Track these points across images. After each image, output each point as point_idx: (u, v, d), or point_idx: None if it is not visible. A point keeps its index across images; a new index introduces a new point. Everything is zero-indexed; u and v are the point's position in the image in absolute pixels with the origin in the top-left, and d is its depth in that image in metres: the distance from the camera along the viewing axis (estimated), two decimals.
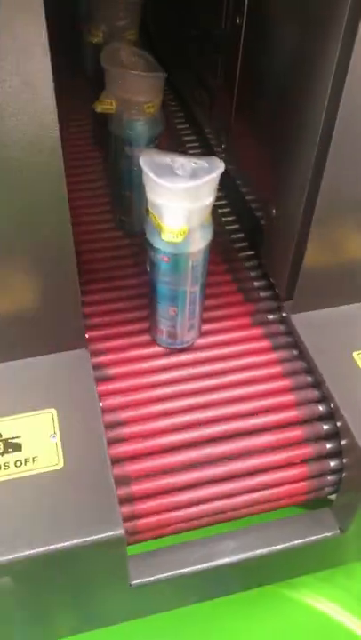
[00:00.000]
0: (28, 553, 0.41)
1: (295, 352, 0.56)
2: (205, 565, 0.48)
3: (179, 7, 0.81)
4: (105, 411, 0.50)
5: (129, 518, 0.46)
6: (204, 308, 0.57)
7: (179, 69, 0.87)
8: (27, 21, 0.33)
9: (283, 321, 0.58)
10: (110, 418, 0.50)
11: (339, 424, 0.50)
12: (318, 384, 0.53)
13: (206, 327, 0.58)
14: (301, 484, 0.50)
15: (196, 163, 0.44)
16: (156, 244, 0.47)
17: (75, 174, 0.74)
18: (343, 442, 0.50)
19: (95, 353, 0.54)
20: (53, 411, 0.48)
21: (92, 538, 0.41)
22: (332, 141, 0.45)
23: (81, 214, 0.69)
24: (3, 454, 0.45)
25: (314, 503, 0.53)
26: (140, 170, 0.44)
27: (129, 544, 0.46)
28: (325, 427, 0.51)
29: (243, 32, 0.59)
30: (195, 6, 0.73)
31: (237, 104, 0.64)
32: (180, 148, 0.80)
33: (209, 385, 0.54)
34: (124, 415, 0.51)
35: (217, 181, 0.44)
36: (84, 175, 0.75)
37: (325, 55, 0.43)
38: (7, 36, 0.33)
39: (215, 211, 0.69)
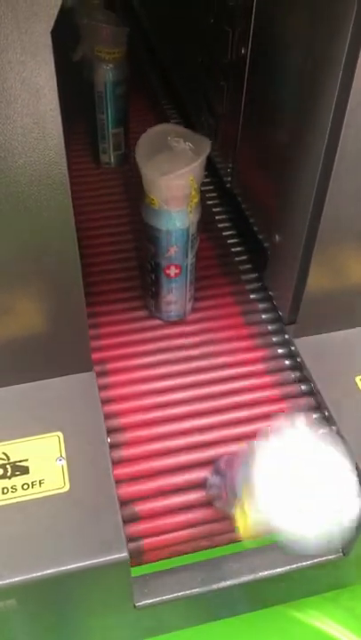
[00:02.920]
0: (32, 576, 0.42)
1: (297, 375, 0.57)
2: (210, 587, 0.49)
3: (188, 36, 0.83)
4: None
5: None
6: (208, 331, 0.59)
7: (187, 95, 0.89)
8: (36, 65, 0.34)
9: (286, 345, 0.59)
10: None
11: None
12: (321, 408, 0.54)
13: (211, 349, 0.59)
14: None
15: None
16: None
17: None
18: None
19: None
20: (60, 434, 0.49)
21: (96, 561, 0.42)
22: (334, 170, 0.46)
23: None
24: (10, 477, 0.46)
25: None
26: None
27: (133, 565, 0.47)
28: None
29: (248, 62, 0.60)
30: (203, 36, 0.75)
31: (243, 131, 0.66)
32: None
33: (203, 408, 0.55)
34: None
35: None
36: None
37: (326, 87, 0.44)
38: (18, 79, 0.34)
39: (220, 233, 0.71)
